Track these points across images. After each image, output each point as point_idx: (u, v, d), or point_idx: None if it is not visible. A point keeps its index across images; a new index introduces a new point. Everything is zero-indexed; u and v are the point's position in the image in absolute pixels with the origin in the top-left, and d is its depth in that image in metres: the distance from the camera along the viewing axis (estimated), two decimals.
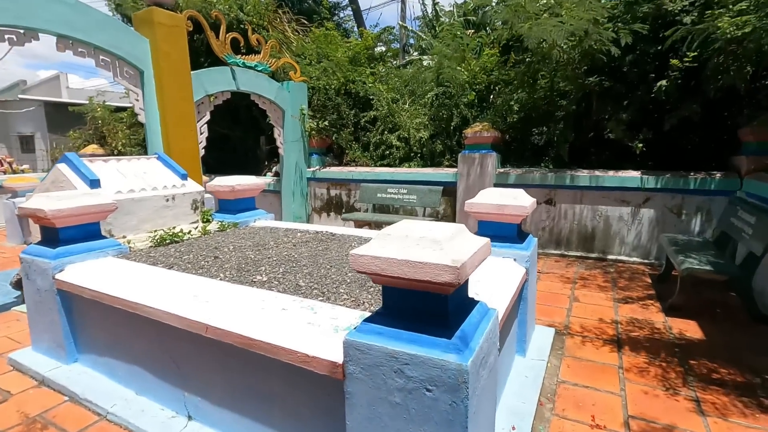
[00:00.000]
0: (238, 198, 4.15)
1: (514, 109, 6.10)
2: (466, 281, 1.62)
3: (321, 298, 2.08)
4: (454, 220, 6.31)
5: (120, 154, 11.18)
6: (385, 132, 7.25)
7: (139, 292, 2.29)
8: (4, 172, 10.01)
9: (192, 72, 5.52)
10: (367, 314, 1.71)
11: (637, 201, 5.16)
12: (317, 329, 1.77)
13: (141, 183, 3.71)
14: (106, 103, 11.28)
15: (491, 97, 6.63)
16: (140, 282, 2.43)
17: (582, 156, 5.87)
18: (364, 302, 2.03)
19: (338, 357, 1.59)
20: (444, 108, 6.69)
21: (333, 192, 7.48)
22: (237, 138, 9.69)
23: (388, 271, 1.44)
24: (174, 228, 3.64)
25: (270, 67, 6.76)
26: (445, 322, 1.48)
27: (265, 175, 8.49)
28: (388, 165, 7.21)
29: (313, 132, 7.35)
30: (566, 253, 5.60)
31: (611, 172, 5.28)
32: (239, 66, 6.19)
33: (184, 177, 4.13)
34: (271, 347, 1.76)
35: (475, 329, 1.56)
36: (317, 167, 7.58)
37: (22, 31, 3.96)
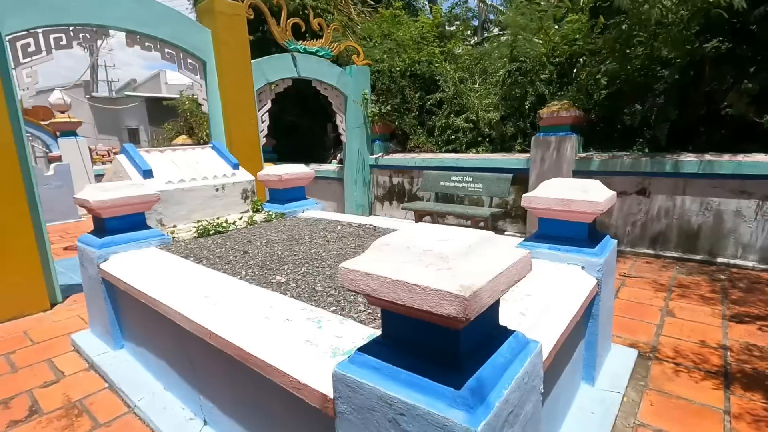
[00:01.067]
0: (287, 188, 4.04)
1: (602, 84, 5.23)
2: (492, 308, 1.22)
3: (334, 308, 1.81)
4: (524, 215, 5.67)
5: (205, 143, 12.02)
6: (451, 115, 6.74)
7: (158, 288, 2.22)
8: (111, 162, 11.30)
9: (253, 60, 5.54)
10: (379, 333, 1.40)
11: (764, 192, 4.11)
12: (314, 350, 1.50)
13: (192, 173, 3.75)
14: (194, 96, 12.12)
15: (574, 71, 5.78)
16: (164, 276, 2.37)
17: (685, 137, 4.85)
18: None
19: (330, 389, 1.31)
20: (517, 86, 5.99)
21: (395, 180, 7.19)
22: (305, 126, 9.81)
23: (380, 293, 1.11)
24: (220, 218, 3.64)
25: (332, 51, 6.60)
26: (454, 364, 1.11)
27: (330, 162, 8.47)
28: (454, 151, 6.71)
29: (376, 117, 7.08)
30: (661, 253, 4.71)
31: (727, 156, 4.26)
32: (300, 52, 6.10)
33: (235, 166, 4.12)
34: (266, 366, 1.53)
35: (500, 376, 1.16)
36: (380, 154, 7.33)
37: (93, 29, 4.20)
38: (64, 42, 4.02)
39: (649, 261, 4.63)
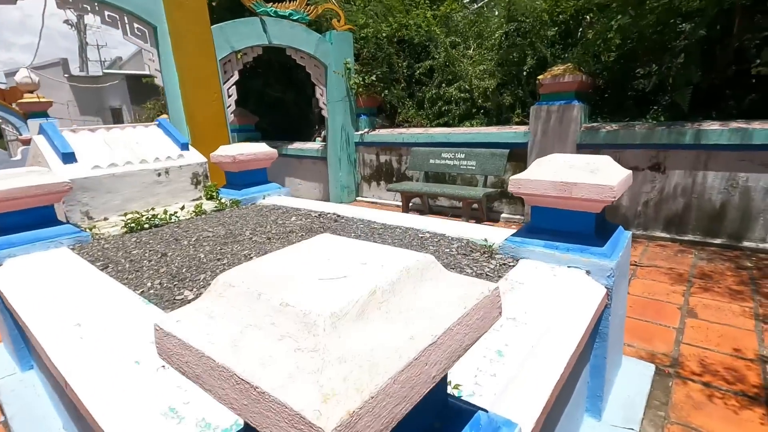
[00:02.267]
0: (244, 170, 3.49)
1: (612, 43, 4.55)
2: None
3: None
4: None
5: None
6: (443, 85, 6.07)
7: (34, 306, 1.70)
8: None
9: (214, 26, 4.89)
10: None
11: None
12: (174, 426, 0.98)
13: (128, 155, 3.19)
14: None
15: (579, 30, 5.08)
16: (50, 289, 1.85)
17: (709, 103, 4.21)
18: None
19: None
20: (515, 49, 5.30)
21: (383, 158, 6.59)
22: (291, 101, 9.13)
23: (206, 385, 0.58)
24: (158, 208, 3.10)
25: (308, 15, 5.90)
26: None
27: (314, 140, 7.86)
28: (446, 124, 6.08)
29: (360, 89, 6.43)
30: (679, 237, 4.14)
31: (758, 124, 3.64)
32: (270, 15, 5.42)
33: (184, 147, 3.56)
34: None
35: None
36: (366, 130, 6.71)
37: None
38: None
39: (664, 246, 4.07)
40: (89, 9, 4.01)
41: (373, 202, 6.67)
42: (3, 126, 9.78)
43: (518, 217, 5.18)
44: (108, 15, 4.13)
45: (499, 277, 1.73)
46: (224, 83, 5.11)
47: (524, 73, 5.10)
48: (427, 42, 6.27)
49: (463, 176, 5.58)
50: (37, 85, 9.38)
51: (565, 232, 1.83)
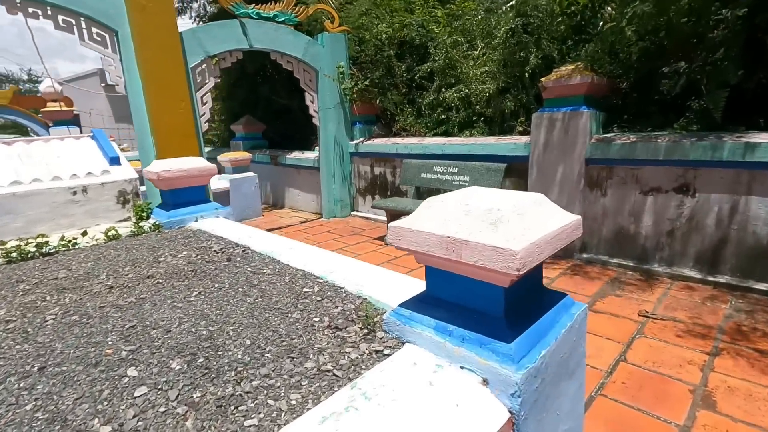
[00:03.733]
0: (174, 188, 3.07)
1: (629, 36, 3.76)
2: None
3: None
4: None
5: (206, 130, 11.37)
6: (442, 89, 5.45)
7: None
8: None
9: (186, 30, 4.59)
10: None
11: None
12: None
13: (38, 172, 2.86)
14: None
15: (595, 24, 4.30)
16: None
17: (753, 109, 3.33)
18: None
19: None
20: (521, 47, 4.59)
21: (377, 170, 6.05)
22: (297, 108, 8.80)
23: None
24: (67, 232, 2.73)
25: (296, 16, 5.50)
26: None
27: (313, 149, 7.45)
28: (445, 133, 5.44)
29: (354, 95, 5.93)
30: (712, 278, 3.29)
31: None
32: (252, 18, 5.06)
33: (114, 161, 3.20)
34: None
35: None
36: (361, 139, 6.19)
37: None
38: None
39: (692, 288, 3.23)
40: (41, 13, 3.79)
41: (367, 218, 6.13)
42: (30, 134, 10.20)
43: None
44: (62, 20, 3.90)
45: (353, 377, 1.14)
46: (197, 90, 4.78)
47: (526, 73, 4.38)
48: (428, 43, 5.68)
49: None
50: (60, 95, 9.68)
51: (469, 308, 1.22)
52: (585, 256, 3.95)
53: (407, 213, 4.44)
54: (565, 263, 3.91)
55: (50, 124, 9.54)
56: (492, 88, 4.75)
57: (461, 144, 4.75)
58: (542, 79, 3.98)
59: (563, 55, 4.30)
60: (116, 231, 2.79)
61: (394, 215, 4.80)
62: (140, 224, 2.91)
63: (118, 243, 2.60)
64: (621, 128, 3.93)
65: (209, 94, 4.94)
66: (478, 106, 4.98)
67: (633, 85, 4.02)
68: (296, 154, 7.25)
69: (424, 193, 5.23)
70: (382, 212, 5.98)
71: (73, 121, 9.91)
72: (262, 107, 9.06)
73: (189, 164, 3.08)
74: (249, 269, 1.96)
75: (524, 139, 4.26)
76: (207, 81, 4.90)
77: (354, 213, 6.43)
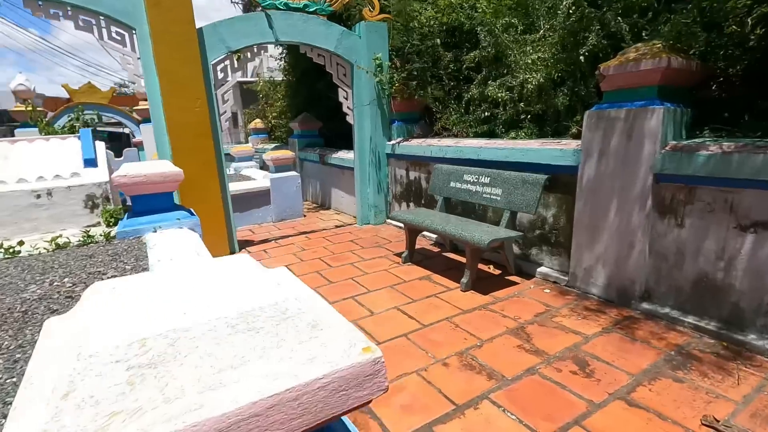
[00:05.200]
0: (136, 194, 2.82)
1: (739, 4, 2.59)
2: None
3: None
4: (569, 243, 3.39)
5: (273, 127, 11.66)
6: (489, 81, 4.58)
7: None
8: None
9: (206, 25, 4.42)
10: None
11: None
12: None
13: (8, 173, 2.81)
14: (272, 78, 11.78)
15: None
16: None
17: None
18: None
19: None
20: (583, 24, 3.55)
21: (412, 174, 5.37)
22: None
23: None
24: (27, 237, 2.62)
25: (330, 5, 5.06)
26: None
27: None
28: (490, 133, 4.58)
29: (392, 90, 5.32)
30: None
31: None
32: (279, 9, 4.73)
33: (88, 163, 3.07)
34: None
35: None
36: (398, 139, 5.56)
37: None
38: None
39: None
40: (61, 14, 3.86)
41: (400, 228, 5.51)
42: (123, 130, 11.40)
43: (563, 276, 3.47)
44: (82, 19, 3.93)
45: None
46: (217, 87, 4.61)
47: (583, 57, 3.35)
48: (477, 27, 4.83)
49: (488, 207, 4.06)
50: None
51: None
52: (646, 306, 2.89)
53: (424, 229, 3.74)
54: (615, 313, 2.90)
55: (141, 121, 10.51)
56: (543, 79, 3.79)
57: (499, 148, 3.88)
58: (600, 66, 2.97)
59: (637, 32, 3.20)
60: (68, 239, 2.61)
61: (412, 230, 4.11)
62: (88, 233, 2.70)
63: (52, 254, 2.39)
64: (716, 132, 2.77)
65: (230, 91, 4.74)
66: (523, 103, 4.04)
67: (744, 71, 2.81)
68: (341, 154, 6.87)
69: (456, 205, 4.45)
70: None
71: None
72: (322, 104, 8.88)
73: (149, 169, 2.79)
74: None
75: (574, 144, 3.28)
76: (229, 78, 4.71)
77: (389, 221, 5.85)
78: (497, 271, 3.82)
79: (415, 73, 5.16)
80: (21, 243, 2.48)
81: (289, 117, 10.68)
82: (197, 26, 4.32)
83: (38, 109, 9.34)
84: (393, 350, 2.57)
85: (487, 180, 3.82)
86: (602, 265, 3.12)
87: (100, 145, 3.32)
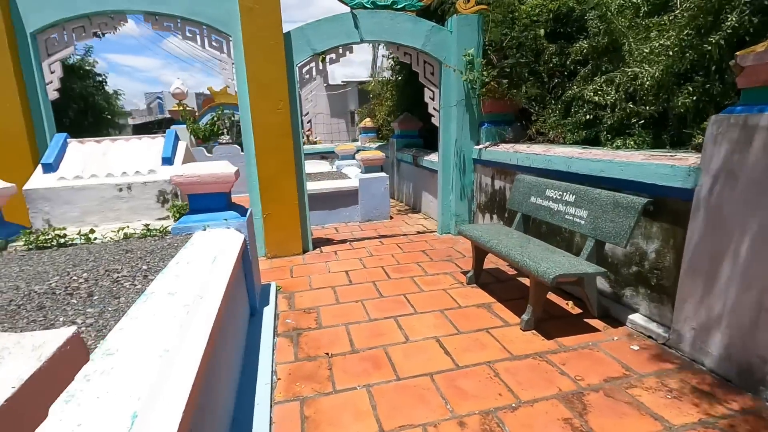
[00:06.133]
0: (192, 194, 2.98)
1: None
2: None
3: None
4: (674, 289, 2.56)
5: (381, 126, 11.79)
6: (594, 78, 3.79)
7: None
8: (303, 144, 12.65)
9: (295, 29, 4.56)
10: None
11: None
12: None
13: (97, 168, 3.22)
14: (379, 77, 11.97)
15: None
16: None
17: None
18: None
19: None
20: (714, 3, 2.63)
21: (497, 183, 4.78)
22: None
23: None
24: (109, 225, 2.98)
25: (420, 0, 4.78)
26: None
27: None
28: (593, 140, 3.80)
29: (485, 88, 4.80)
30: None
31: None
32: (366, 8, 4.64)
33: (166, 161, 3.36)
34: None
35: None
36: (487, 144, 5.01)
37: (111, 16, 4.18)
38: (84, 33, 4.16)
39: None
40: (172, 26, 4.34)
41: None
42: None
43: (662, 331, 2.65)
44: (188, 30, 4.37)
45: None
46: (301, 89, 4.72)
47: (715, 42, 2.46)
48: (589, 11, 4.04)
49: (572, 230, 3.34)
50: None
51: None
52: None
53: (487, 248, 3.25)
54: (730, 399, 2.07)
55: None
56: (661, 73, 2.94)
57: (593, 160, 3.15)
58: (737, 54, 2.14)
59: None
60: (133, 231, 2.89)
61: (478, 248, 3.63)
62: (148, 227, 2.94)
63: (99, 245, 2.64)
64: None
65: (312, 92, 4.82)
66: (634, 104, 3.21)
67: None
68: (432, 156, 6.55)
69: (541, 224, 3.80)
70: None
71: None
72: (426, 104, 8.63)
73: (203, 170, 2.92)
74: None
75: (691, 159, 2.44)
76: (312, 78, 4.78)
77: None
78: (577, 310, 3.12)
79: (508, 70, 4.57)
80: (92, 231, 2.81)
81: (395, 116, 10.70)
82: (285, 30, 4.47)
83: (188, 108, 10.98)
84: (408, 391, 2.24)
85: (571, 198, 3.14)
86: (721, 327, 2.28)
87: (182, 145, 3.63)
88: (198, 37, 4.40)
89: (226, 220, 2.95)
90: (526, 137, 4.77)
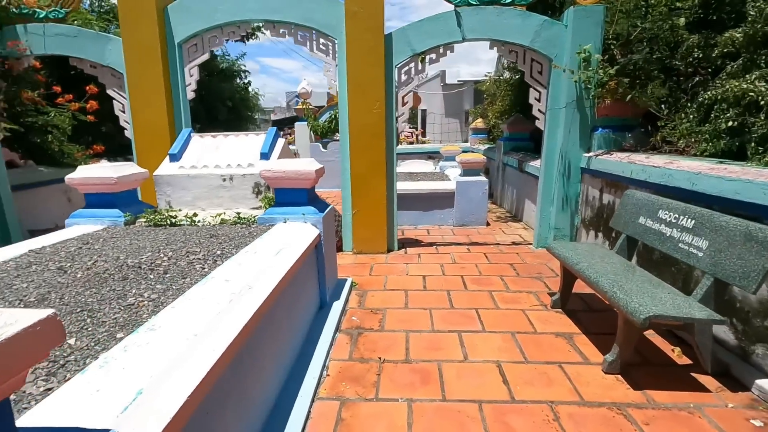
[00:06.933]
0: (278, 188, 3.22)
1: None
2: None
3: None
4: None
5: (492, 127, 11.23)
6: (743, 75, 3.04)
7: None
8: (411, 143, 12.71)
9: (396, 30, 4.61)
10: None
11: None
12: None
13: (209, 159, 3.68)
14: (491, 77, 11.43)
15: None
16: None
17: None
18: None
19: None
20: None
21: (606, 197, 4.15)
22: None
23: None
24: (211, 210, 3.41)
25: None
26: None
27: None
28: (739, 153, 3.06)
29: (605, 89, 4.22)
30: None
31: None
32: (471, 5, 4.46)
33: (263, 156, 3.68)
34: None
35: None
36: (598, 151, 4.40)
37: (238, 25, 4.73)
38: (217, 41, 4.79)
39: None
40: (287, 32, 4.72)
41: None
42: None
43: None
44: (300, 35, 4.71)
45: None
46: (400, 90, 4.74)
47: None
48: None
49: (686, 262, 2.71)
50: (309, 94, 11.78)
51: None
52: None
53: (575, 272, 2.87)
54: None
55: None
56: None
57: (728, 178, 2.53)
58: None
59: None
60: (228, 217, 3.25)
61: (566, 270, 3.21)
62: (239, 215, 3.26)
63: (220, 228, 2.99)
64: None
65: (410, 93, 4.79)
66: None
67: None
68: (537, 162, 6.04)
69: (653, 250, 3.21)
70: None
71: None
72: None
73: (289, 166, 3.13)
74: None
75: None
76: (410, 80, 4.76)
77: None
78: (684, 360, 2.56)
79: (632, 67, 3.93)
80: (195, 215, 3.23)
81: (507, 117, 10.13)
82: (387, 32, 4.54)
83: (310, 107, 11.93)
84: (450, 416, 2.08)
85: (689, 223, 2.57)
86: None
87: (281, 141, 3.94)
88: (308, 41, 4.72)
89: (303, 214, 3.12)
90: (648, 146, 4.07)
